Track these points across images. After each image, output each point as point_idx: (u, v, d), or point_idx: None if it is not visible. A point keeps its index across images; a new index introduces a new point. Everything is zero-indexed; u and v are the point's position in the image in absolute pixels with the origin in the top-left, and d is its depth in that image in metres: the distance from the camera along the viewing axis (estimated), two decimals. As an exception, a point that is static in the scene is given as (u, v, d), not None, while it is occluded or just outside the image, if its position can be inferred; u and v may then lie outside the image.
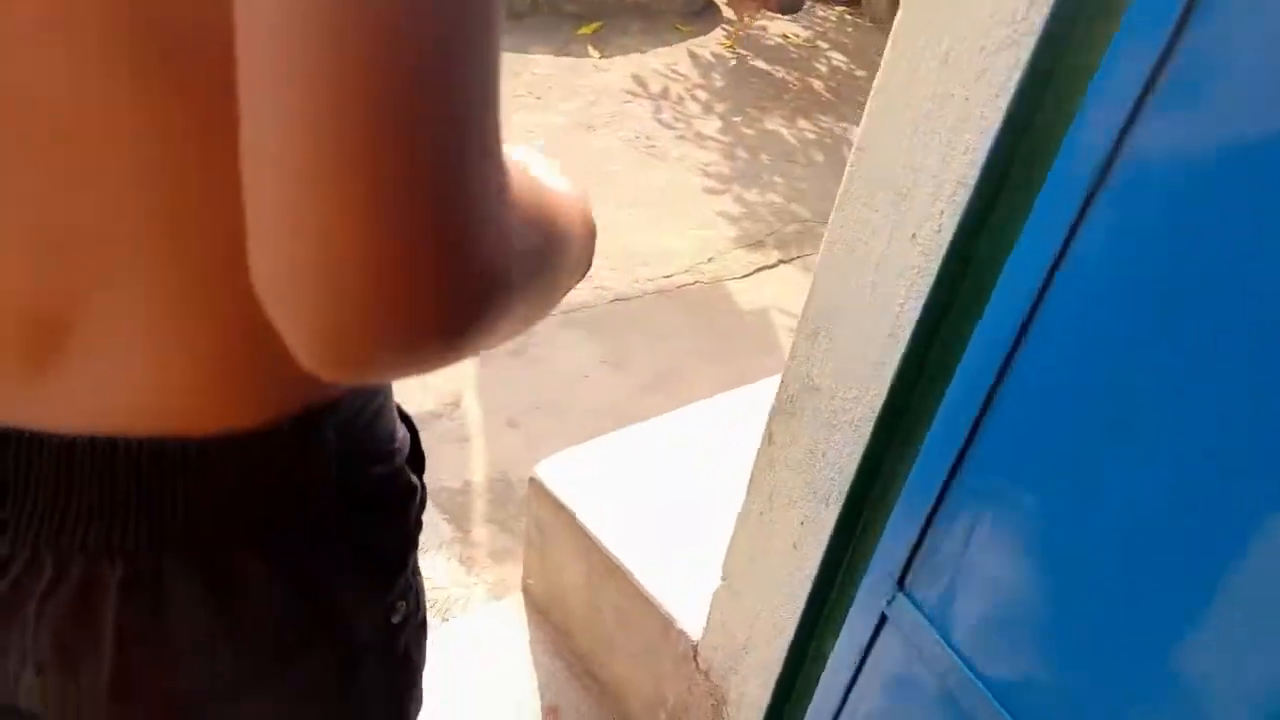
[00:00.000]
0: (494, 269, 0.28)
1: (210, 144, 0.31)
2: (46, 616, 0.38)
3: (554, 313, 0.46)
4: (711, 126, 3.83)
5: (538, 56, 4.15)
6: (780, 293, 2.90)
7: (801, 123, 3.98)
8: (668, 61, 4.35)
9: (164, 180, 0.33)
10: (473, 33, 0.25)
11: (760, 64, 4.51)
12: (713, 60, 4.46)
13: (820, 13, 5.39)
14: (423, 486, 0.51)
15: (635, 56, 4.35)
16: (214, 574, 0.39)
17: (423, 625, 0.52)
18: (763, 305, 2.85)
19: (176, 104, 0.31)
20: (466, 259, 0.27)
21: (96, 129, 0.32)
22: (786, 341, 2.60)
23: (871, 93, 0.80)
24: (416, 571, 0.50)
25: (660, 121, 3.79)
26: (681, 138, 3.69)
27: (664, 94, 4.03)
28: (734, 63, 4.47)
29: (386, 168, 0.25)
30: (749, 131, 3.84)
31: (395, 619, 0.47)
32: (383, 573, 0.46)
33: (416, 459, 0.51)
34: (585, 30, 4.44)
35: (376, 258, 0.25)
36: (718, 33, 4.81)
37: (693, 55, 4.47)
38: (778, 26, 5.03)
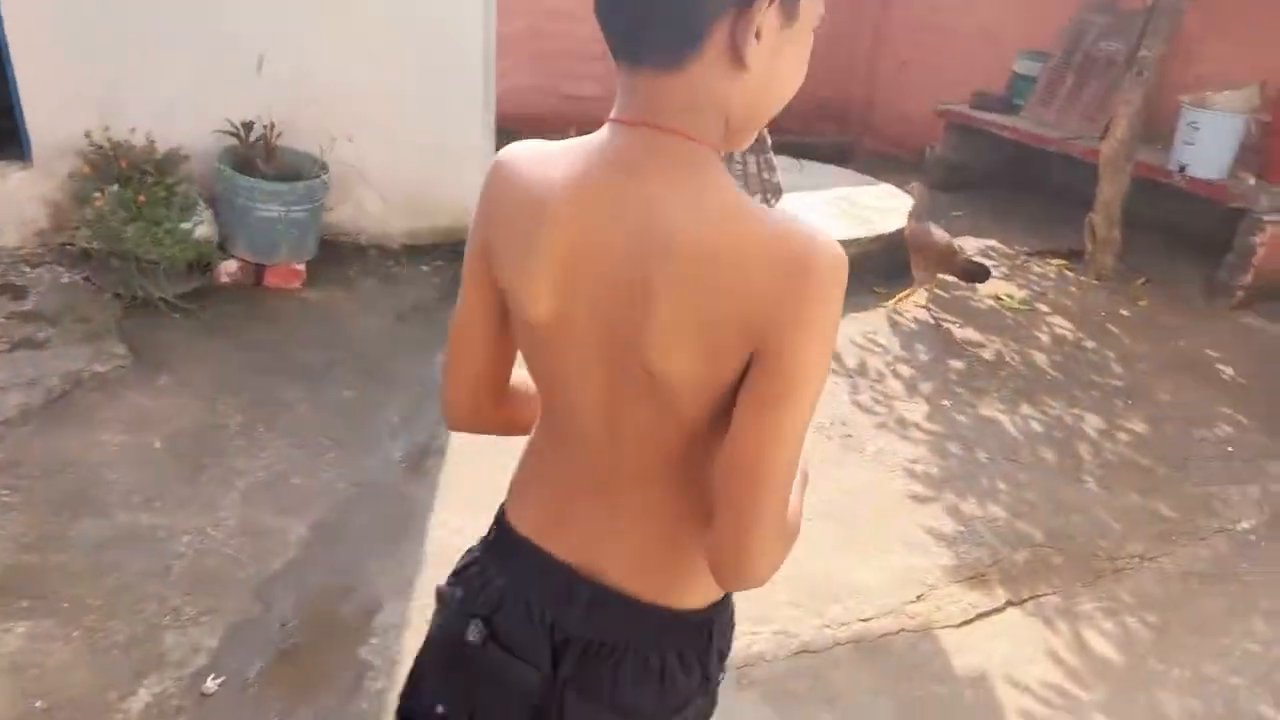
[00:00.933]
0: (779, 562, 0.87)
1: (693, 450, 0.89)
2: (616, 670, 0.95)
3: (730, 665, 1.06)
4: (917, 412, 3.36)
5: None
6: (1009, 652, 2.29)
7: (1024, 408, 3.44)
8: (865, 329, 3.99)
9: (677, 455, 0.89)
10: (793, 465, 0.83)
11: (971, 333, 4.06)
12: (916, 328, 4.06)
13: (1037, 269, 4.93)
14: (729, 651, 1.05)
15: (830, 324, 4.02)
16: (684, 652, 0.96)
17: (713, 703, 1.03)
18: (983, 668, 2.25)
19: (677, 425, 0.86)
20: (772, 567, 0.86)
21: (654, 427, 0.88)
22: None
23: None
24: (717, 684, 1.02)
25: (858, 404, 3.38)
26: (882, 425, 3.25)
27: (861, 369, 3.64)
28: (942, 330, 4.05)
29: (759, 539, 0.82)
30: (961, 419, 3.34)
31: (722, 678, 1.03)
32: (708, 681, 0.99)
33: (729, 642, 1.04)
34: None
35: (750, 559, 0.84)
36: (921, 294, 4.45)
37: (893, 322, 4.10)
38: (989, 286, 4.61)
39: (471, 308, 0.97)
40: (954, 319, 4.17)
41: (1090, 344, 4.05)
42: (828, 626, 2.32)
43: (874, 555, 2.58)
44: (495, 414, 1.05)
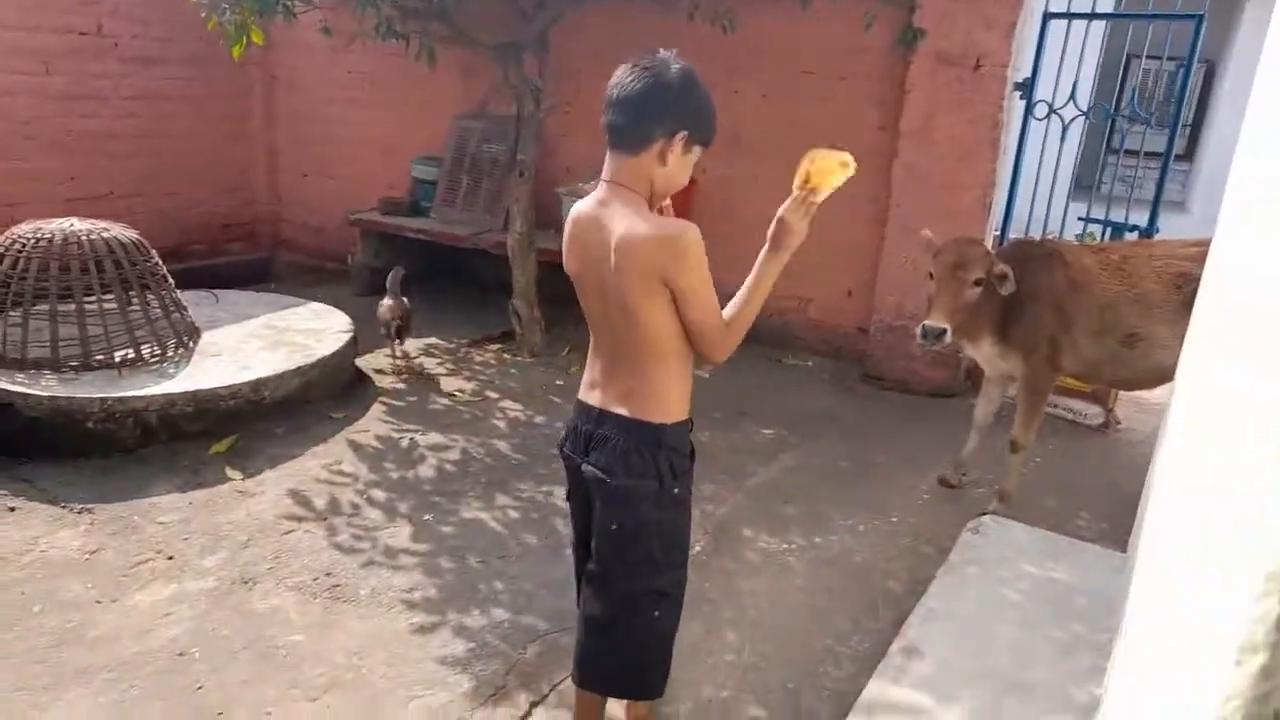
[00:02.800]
0: (728, 350, 1.89)
1: (649, 345, 1.87)
2: (604, 452, 1.93)
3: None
4: (402, 535, 3.25)
5: (160, 499, 3.36)
6: (549, 757, 2.29)
7: (500, 499, 3.54)
8: (327, 462, 3.76)
9: (642, 348, 1.88)
10: (713, 318, 1.85)
11: (435, 437, 4.08)
12: (380, 446, 3.96)
13: (479, 358, 5.19)
14: (693, 452, 2.03)
15: (288, 466, 3.71)
16: (642, 450, 1.92)
17: (687, 492, 1.99)
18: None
19: (641, 332, 1.85)
20: (726, 352, 1.89)
21: (632, 320, 1.84)
22: None
23: None
24: (690, 475, 2.01)
25: (339, 547, 3.14)
26: (370, 563, 3.06)
27: (334, 508, 3.41)
28: (406, 442, 4.00)
29: (713, 346, 1.87)
30: (446, 529, 3.31)
31: (676, 489, 1.94)
32: (676, 471, 1.94)
33: (691, 449, 2.02)
34: (218, 448, 3.75)
35: (711, 354, 1.89)
36: (376, 408, 4.36)
37: (355, 446, 3.94)
38: (439, 384, 4.71)
39: None
40: (415, 427, 4.16)
41: (540, 419, 4.36)
42: (362, 818, 2.07)
43: (398, 712, 2.39)
44: None
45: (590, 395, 1.99)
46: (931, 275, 3.21)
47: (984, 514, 3.44)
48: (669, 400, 1.91)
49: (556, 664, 2.61)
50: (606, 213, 1.83)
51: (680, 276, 1.77)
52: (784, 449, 4.19)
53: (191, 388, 3.78)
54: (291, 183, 7.41)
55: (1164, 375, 4.15)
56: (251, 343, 4.35)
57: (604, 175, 1.88)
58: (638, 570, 1.97)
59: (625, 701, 2.34)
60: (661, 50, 1.87)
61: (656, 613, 2.00)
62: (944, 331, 3.08)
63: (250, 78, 7.08)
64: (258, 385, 3.93)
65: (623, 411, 1.91)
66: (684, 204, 5.52)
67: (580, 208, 1.92)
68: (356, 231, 6.35)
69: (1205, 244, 3.44)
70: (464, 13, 4.91)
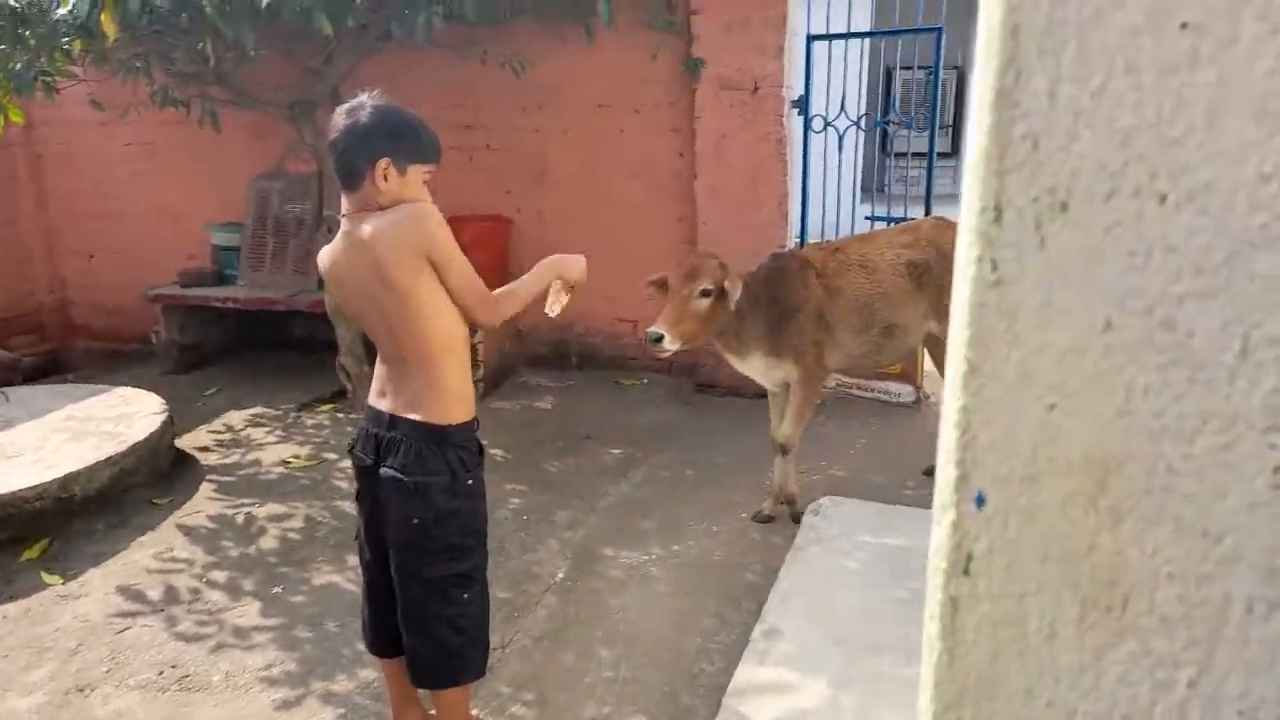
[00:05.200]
0: (500, 318, 2.19)
1: (424, 327, 2.07)
2: (399, 454, 2.11)
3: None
4: (251, 613, 3.10)
5: (-31, 619, 3.05)
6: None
7: (352, 560, 3.44)
8: (157, 550, 3.54)
9: (426, 332, 2.07)
10: (475, 283, 2.11)
11: (274, 507, 3.92)
12: (212, 525, 3.75)
13: (310, 421, 5.01)
14: (482, 450, 2.24)
15: (113, 561, 3.46)
16: (433, 449, 2.11)
17: (479, 483, 2.20)
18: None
19: (413, 316, 2.06)
20: (494, 320, 2.18)
21: (409, 313, 2.06)
22: None
23: None
24: (480, 468, 2.21)
25: (182, 637, 2.97)
26: (220, 646, 2.91)
27: (171, 597, 3.21)
28: (242, 518, 3.82)
29: (478, 307, 2.12)
30: (298, 599, 3.20)
31: (469, 481, 2.16)
32: (467, 465, 2.15)
33: (479, 446, 2.23)
34: (30, 554, 3.44)
35: (480, 316, 2.15)
36: (205, 487, 4.13)
37: (186, 530, 3.72)
38: (271, 453, 4.52)
39: None
40: (250, 500, 3.98)
41: (384, 474, 4.27)
42: None
43: (267, 793, 2.29)
44: None
45: (380, 402, 2.17)
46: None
47: (766, 515, 3.67)
48: (451, 403, 2.12)
49: (434, 712, 2.58)
50: (353, 236, 2.06)
51: (435, 248, 2.01)
52: (632, 466, 4.31)
53: (-10, 495, 3.45)
54: (77, 265, 6.89)
55: (911, 354, 4.56)
56: (53, 438, 4.02)
57: (343, 213, 2.13)
58: (441, 558, 2.14)
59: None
60: (364, 93, 2.11)
61: (465, 595, 2.18)
62: (662, 337, 3.10)
63: (14, 159, 6.56)
64: (66, 482, 3.64)
65: (412, 415, 2.10)
66: (500, 241, 5.59)
67: (330, 252, 2.15)
68: (157, 309, 5.99)
69: (912, 229, 3.85)
70: (247, 74, 4.79)
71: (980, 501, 0.55)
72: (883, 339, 3.66)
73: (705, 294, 3.20)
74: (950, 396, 0.57)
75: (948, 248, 3.70)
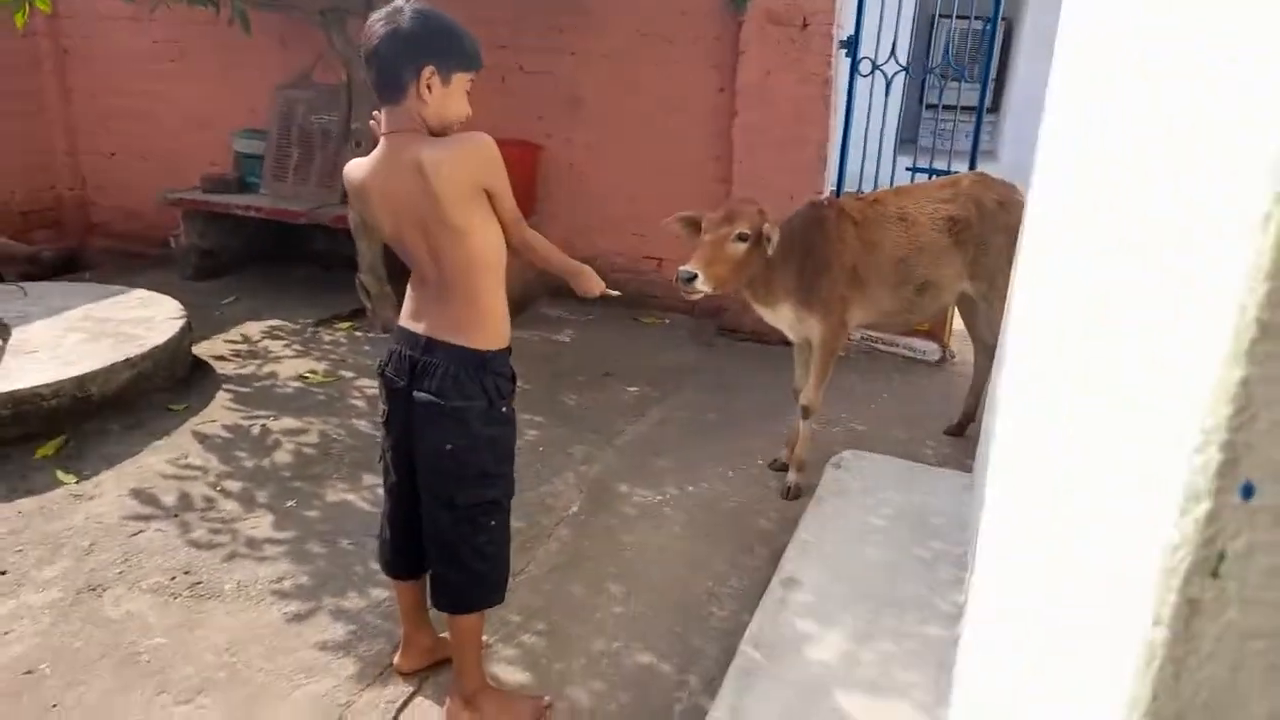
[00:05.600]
0: (524, 244, 2.13)
1: (473, 251, 2.01)
2: (436, 378, 2.05)
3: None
4: (264, 524, 3.09)
5: (-17, 511, 3.05)
6: (445, 728, 2.26)
7: (367, 479, 3.43)
8: (172, 456, 3.52)
9: (475, 254, 2.02)
10: (514, 203, 2.06)
11: (289, 421, 3.89)
12: (228, 435, 3.73)
13: (328, 338, 4.96)
14: (514, 376, 2.15)
15: (128, 464, 3.44)
16: (471, 374, 2.05)
17: (512, 410, 2.15)
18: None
19: (465, 240, 1.99)
20: (520, 241, 2.12)
21: (460, 237, 2.00)
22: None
23: None
24: (513, 396, 2.15)
25: (195, 543, 2.96)
26: (232, 555, 2.90)
27: (185, 503, 3.20)
28: (257, 430, 3.80)
29: (511, 230, 2.09)
30: (312, 514, 3.18)
31: (504, 408, 2.12)
32: (502, 392, 2.10)
33: (512, 373, 2.15)
34: (45, 451, 3.43)
35: (510, 240, 2.10)
36: (221, 396, 4.11)
37: (202, 438, 3.70)
38: (288, 367, 4.48)
39: None
40: (266, 413, 3.95)
41: (401, 396, 4.23)
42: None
43: (280, 704, 2.29)
44: None
45: (415, 324, 2.09)
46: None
47: (783, 464, 3.61)
48: (491, 328, 2.07)
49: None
50: (401, 157, 1.95)
51: (495, 178, 1.98)
52: (650, 405, 4.26)
53: (7, 389, 3.43)
54: (98, 163, 6.80)
55: (943, 312, 4.42)
56: (70, 336, 3.98)
57: (383, 130, 2.00)
58: (473, 484, 2.11)
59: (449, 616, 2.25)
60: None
61: (493, 522, 2.16)
62: (695, 276, 2.99)
63: (38, 50, 6.42)
64: (83, 381, 3.62)
65: (451, 340, 2.04)
66: (529, 169, 5.46)
67: (364, 169, 2.03)
68: (178, 213, 5.91)
69: (953, 183, 3.71)
70: (282, -26, 4.63)
71: (1248, 492, 0.48)
72: (917, 295, 3.55)
73: (742, 238, 3.08)
74: (1219, 364, 0.49)
75: (989, 205, 3.57)
